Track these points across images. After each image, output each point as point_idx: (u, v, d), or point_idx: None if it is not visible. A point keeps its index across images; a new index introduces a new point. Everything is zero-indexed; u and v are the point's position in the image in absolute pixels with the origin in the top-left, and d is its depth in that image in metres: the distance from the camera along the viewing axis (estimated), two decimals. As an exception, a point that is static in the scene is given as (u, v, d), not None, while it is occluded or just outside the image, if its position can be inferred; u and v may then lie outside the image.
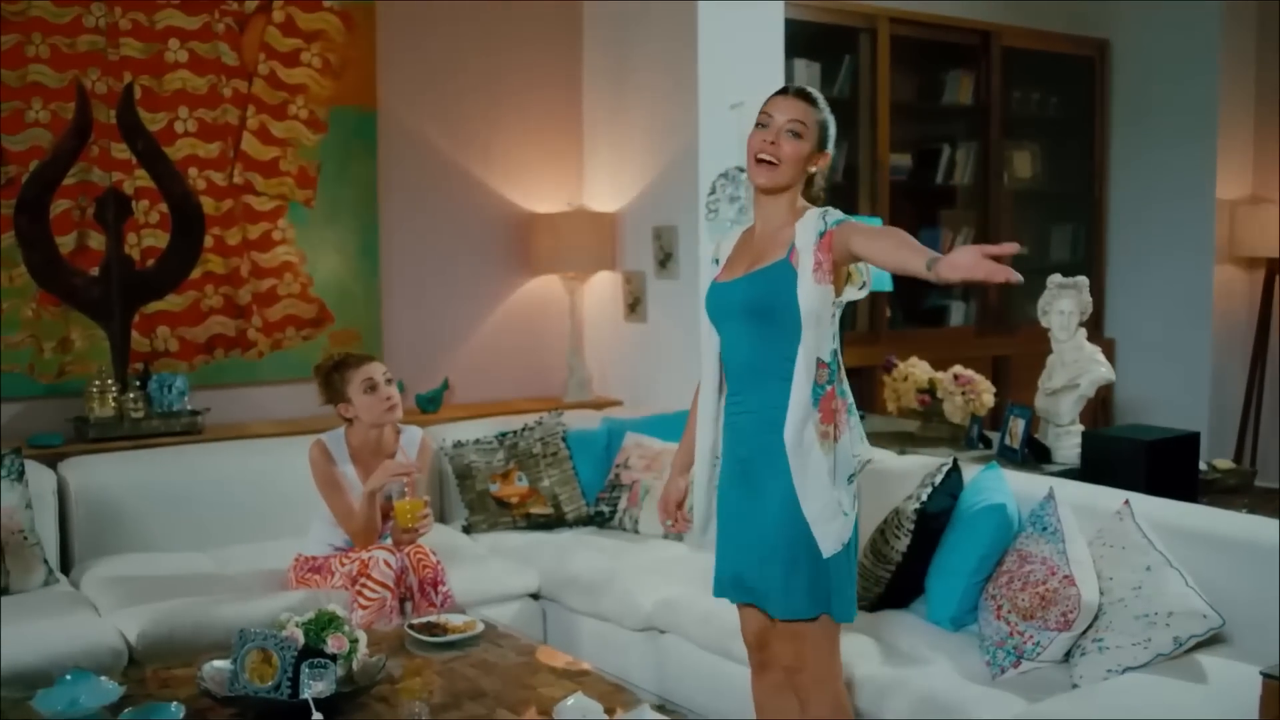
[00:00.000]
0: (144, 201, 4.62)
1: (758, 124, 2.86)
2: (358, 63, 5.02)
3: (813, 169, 2.86)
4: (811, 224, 2.76)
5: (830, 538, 2.75)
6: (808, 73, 5.75)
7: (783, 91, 2.91)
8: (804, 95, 2.86)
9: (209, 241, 4.71)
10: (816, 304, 2.73)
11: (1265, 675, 2.44)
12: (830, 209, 2.80)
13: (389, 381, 3.90)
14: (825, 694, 2.86)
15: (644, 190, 5.24)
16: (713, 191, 4.88)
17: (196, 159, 4.73)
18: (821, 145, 2.86)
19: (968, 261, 2.34)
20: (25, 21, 4.40)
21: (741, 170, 4.83)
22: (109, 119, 4.49)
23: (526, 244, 5.44)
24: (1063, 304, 4.18)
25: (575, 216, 5.37)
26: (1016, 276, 2.29)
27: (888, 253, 2.59)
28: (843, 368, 2.84)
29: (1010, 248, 2.36)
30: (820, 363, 2.75)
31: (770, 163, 2.81)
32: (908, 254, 2.52)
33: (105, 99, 4.52)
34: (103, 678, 2.85)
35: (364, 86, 5.04)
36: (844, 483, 2.79)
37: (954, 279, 2.39)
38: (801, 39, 5.56)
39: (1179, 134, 6.63)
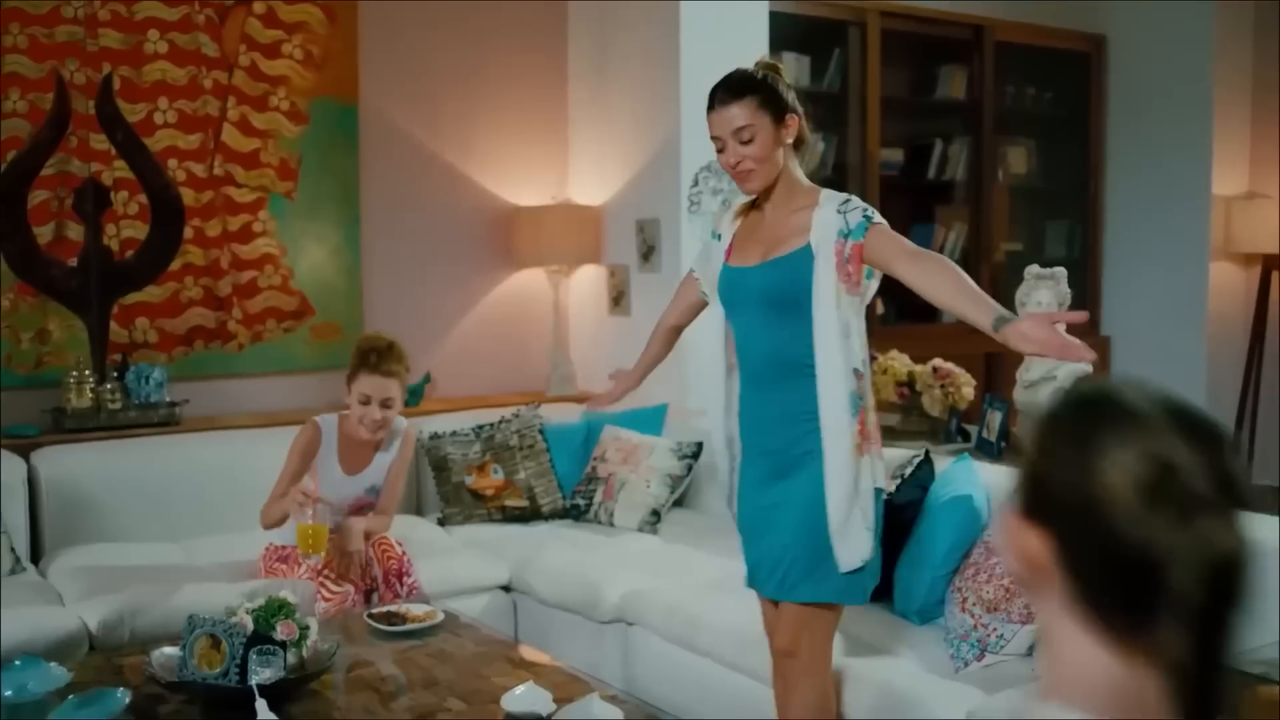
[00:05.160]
0: (123, 192, 4.60)
1: (715, 146, 2.75)
2: (340, 55, 5.01)
3: (788, 139, 2.74)
4: (831, 219, 2.67)
5: (849, 552, 2.69)
6: (796, 66, 5.71)
7: (711, 104, 2.74)
8: (731, 96, 2.71)
9: (189, 233, 4.69)
10: (848, 315, 2.66)
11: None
12: (848, 200, 2.69)
13: (385, 405, 3.75)
14: (814, 684, 2.83)
15: (628, 183, 5.21)
16: (695, 184, 4.85)
17: (176, 150, 4.72)
18: (780, 115, 2.72)
19: (1042, 335, 2.25)
20: (3, 12, 4.38)
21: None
22: (88, 110, 4.48)
23: (510, 237, 5.40)
24: (1040, 295, 4.12)
25: (559, 210, 5.34)
26: (1091, 355, 2.22)
27: (945, 294, 2.50)
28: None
29: (1080, 316, 2.31)
30: (857, 373, 2.69)
31: (750, 171, 2.73)
32: (968, 302, 2.43)
33: (84, 90, 4.51)
34: (52, 664, 2.84)
35: (346, 78, 5.02)
36: (870, 497, 2.71)
37: (1024, 350, 2.32)
38: (790, 32, 5.53)
39: (1175, 130, 6.56)
